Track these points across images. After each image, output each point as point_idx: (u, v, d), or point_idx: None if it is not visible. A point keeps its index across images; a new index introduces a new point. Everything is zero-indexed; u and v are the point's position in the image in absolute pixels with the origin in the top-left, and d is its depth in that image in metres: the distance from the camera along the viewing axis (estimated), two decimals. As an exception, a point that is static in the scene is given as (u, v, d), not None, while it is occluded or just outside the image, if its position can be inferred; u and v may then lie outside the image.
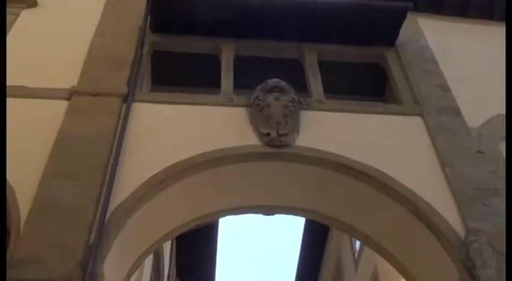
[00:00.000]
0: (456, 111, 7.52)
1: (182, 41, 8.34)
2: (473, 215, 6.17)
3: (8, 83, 6.09)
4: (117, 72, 7.31)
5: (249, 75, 8.18)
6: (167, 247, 11.91)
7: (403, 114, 7.45)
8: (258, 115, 6.89)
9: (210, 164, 6.53)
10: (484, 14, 9.45)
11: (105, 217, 5.57)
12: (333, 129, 7.02)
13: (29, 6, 8.44)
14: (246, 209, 7.74)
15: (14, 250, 5.15)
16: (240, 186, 7.21)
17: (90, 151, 6.15)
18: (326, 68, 8.39)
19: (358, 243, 12.25)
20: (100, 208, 5.62)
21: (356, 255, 12.47)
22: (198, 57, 8.44)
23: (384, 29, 8.42)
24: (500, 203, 6.22)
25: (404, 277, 6.94)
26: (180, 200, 6.78)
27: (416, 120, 7.35)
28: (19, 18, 8.21)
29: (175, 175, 6.31)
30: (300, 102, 7.13)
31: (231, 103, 7.20)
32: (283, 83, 7.12)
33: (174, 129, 6.73)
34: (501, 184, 6.45)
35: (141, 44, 7.83)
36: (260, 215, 8.10)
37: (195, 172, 6.46)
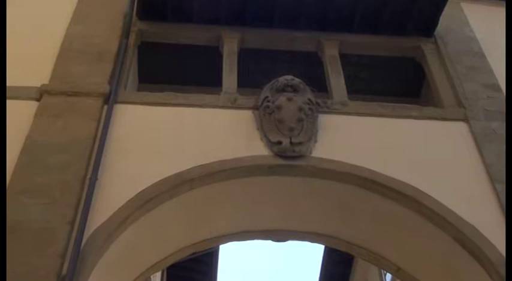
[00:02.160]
0: (508, 116, 7.49)
1: (175, 30, 8.36)
2: (529, 242, 6.12)
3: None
4: (97, 67, 7.33)
5: (256, 72, 8.20)
6: (157, 280, 11.88)
7: (444, 119, 7.43)
8: (267, 119, 6.90)
9: (208, 179, 6.52)
10: (542, -3, 9.43)
11: (81, 243, 5.55)
12: (357, 137, 7.00)
13: (-8, -10, 8.52)
14: (253, 235, 7.72)
15: (-29, 282, 5.15)
16: (244, 206, 7.20)
17: (64, 162, 6.15)
18: (350, 63, 8.39)
19: (389, 276, 12.18)
20: (75, 232, 5.61)
21: (386, 291, 12.42)
22: (194, 49, 8.47)
23: (420, 16, 8.41)
24: None
25: (445, 318, 6.89)
26: (172, 223, 6.77)
27: (460, 127, 7.34)
28: (-19, 4, 8.28)
29: (167, 192, 6.31)
30: (317, 104, 7.13)
31: (234, 105, 7.21)
32: (297, 81, 7.13)
33: (166, 137, 6.74)
34: None
35: (126, 33, 7.85)
36: (270, 242, 8.08)
37: (191, 189, 6.46)
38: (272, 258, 39.83)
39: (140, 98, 7.26)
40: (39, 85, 6.99)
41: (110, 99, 6.93)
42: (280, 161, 6.69)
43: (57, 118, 6.63)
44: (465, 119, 7.40)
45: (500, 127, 7.31)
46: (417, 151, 6.95)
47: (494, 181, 6.69)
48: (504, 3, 9.34)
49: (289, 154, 6.68)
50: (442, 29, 8.59)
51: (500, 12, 9.26)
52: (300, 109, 6.89)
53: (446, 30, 8.65)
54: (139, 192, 6.13)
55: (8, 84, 6.92)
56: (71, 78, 7.16)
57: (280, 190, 7.01)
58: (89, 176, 6.09)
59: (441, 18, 8.49)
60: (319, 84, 7.71)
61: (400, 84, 8.99)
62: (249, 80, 7.83)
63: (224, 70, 7.82)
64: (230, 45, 8.18)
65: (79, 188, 5.96)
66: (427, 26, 8.52)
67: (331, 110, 7.26)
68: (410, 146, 7.00)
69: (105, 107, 6.87)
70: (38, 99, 6.86)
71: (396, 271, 7.35)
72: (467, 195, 6.58)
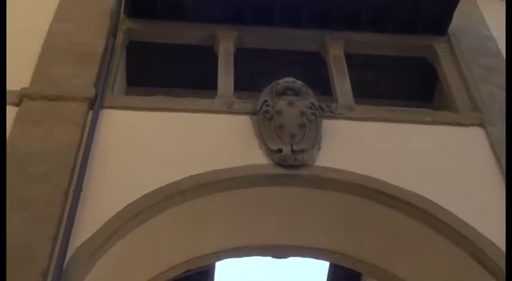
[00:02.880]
0: (528, 120, 7.50)
1: (167, 28, 8.39)
2: (553, 258, 6.11)
3: None
4: (81, 69, 7.34)
5: (254, 74, 8.21)
6: (146, 300, 11.84)
7: (459, 124, 7.44)
8: (267, 125, 6.91)
9: (202, 191, 6.51)
10: None
11: (64, 260, 5.54)
12: (365, 145, 7.01)
13: (-32, -15, 8.53)
14: (251, 251, 7.71)
15: None
16: (242, 219, 7.20)
17: (46, 172, 6.15)
18: (356, 63, 8.41)
19: (399, 295, 12.16)
20: (58, 248, 5.60)
21: (397, 312, 12.36)
22: (187, 49, 8.49)
23: (433, 13, 8.44)
24: None
25: None
26: (164, 238, 6.76)
27: (476, 132, 7.34)
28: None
29: (158, 205, 6.30)
30: (321, 108, 7.14)
31: (230, 110, 7.21)
32: (299, 84, 7.14)
33: (156, 145, 6.74)
34: None
35: (113, 32, 7.87)
36: (270, 259, 8.06)
37: (184, 201, 6.45)
38: (272, 276, 39.69)
39: (128, 103, 7.28)
40: (18, 89, 6.98)
41: (95, 103, 6.93)
42: (281, 171, 6.68)
43: (38, 124, 6.63)
44: (481, 124, 7.40)
45: (520, 133, 7.33)
46: (429, 159, 6.95)
47: (514, 191, 6.70)
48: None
49: (290, 163, 6.68)
50: (456, 26, 8.61)
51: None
52: (302, 114, 6.90)
53: (460, 28, 8.66)
54: (128, 205, 6.12)
55: (-16, 87, 6.97)
56: (54, 81, 7.17)
57: (280, 202, 7.00)
58: (72, 187, 6.09)
59: (455, 15, 8.51)
60: (322, 86, 7.72)
61: (411, 87, 9.00)
62: (246, 83, 7.85)
63: (219, 72, 7.83)
64: (226, 44, 8.20)
65: (62, 200, 5.96)
66: (439, 23, 8.54)
67: (335, 114, 7.27)
68: (422, 153, 7.00)
69: (91, 112, 6.87)
70: (17, 104, 6.86)
71: (408, 290, 7.35)
72: (485, 207, 6.56)
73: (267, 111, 6.97)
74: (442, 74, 8.34)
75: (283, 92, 7.07)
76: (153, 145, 6.73)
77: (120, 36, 8.01)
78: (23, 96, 6.92)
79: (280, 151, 6.71)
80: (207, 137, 6.88)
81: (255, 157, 6.75)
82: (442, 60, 8.39)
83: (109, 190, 6.24)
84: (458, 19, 8.59)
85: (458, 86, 8.03)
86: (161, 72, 8.66)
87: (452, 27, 8.59)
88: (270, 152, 6.74)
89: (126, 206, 6.11)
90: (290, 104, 6.96)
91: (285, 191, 6.85)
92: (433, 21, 8.50)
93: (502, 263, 6.10)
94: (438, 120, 7.46)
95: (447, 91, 8.17)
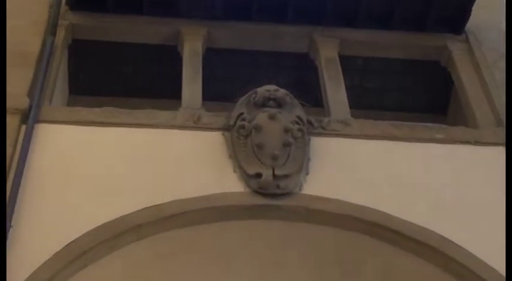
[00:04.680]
0: (562, 138, 7.57)
1: (119, 24, 8.43)
2: None
3: None
4: (12, 74, 7.30)
5: (227, 80, 8.22)
6: None
7: (478, 142, 7.50)
8: (243, 144, 6.94)
9: (162, 226, 6.51)
10: None
11: (-11, 312, 5.52)
12: (363, 168, 7.06)
13: None
14: (224, 299, 7.69)
15: None
16: (212, 261, 7.16)
17: (-33, 202, 6.12)
18: (353, 68, 8.46)
19: None
20: (-18, 298, 5.57)
21: None
22: (145, 50, 8.54)
23: (447, 7, 8.54)
24: None
25: None
26: (113, 283, 6.74)
27: (499, 153, 7.37)
28: None
29: (106, 243, 6.28)
30: (310, 123, 7.19)
31: (197, 124, 7.24)
32: (282, 93, 7.18)
33: (105, 168, 6.75)
34: None
35: (52, 28, 7.87)
36: (247, 308, 8.05)
37: (138, 238, 6.44)
38: (252, 330, 39.44)
39: (71, 116, 7.27)
40: None
41: (29, 116, 6.93)
42: (260, 201, 6.70)
43: (-41, 142, 6.61)
44: (505, 143, 7.45)
45: (553, 154, 7.39)
46: (442, 185, 7.00)
47: (546, 227, 6.75)
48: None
49: (271, 191, 6.70)
50: (475, 23, 8.72)
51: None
52: (286, 130, 6.93)
53: (480, 26, 8.78)
54: (69, 243, 6.10)
55: None
56: (-22, 89, 7.16)
57: (260, 239, 6.98)
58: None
59: (474, 9, 8.60)
60: (312, 96, 7.77)
61: (420, 97, 9.09)
62: (217, 91, 7.88)
63: (184, 78, 7.86)
64: (193, 43, 8.26)
65: (-13, 238, 5.93)
66: (455, 19, 8.64)
67: (328, 131, 7.32)
68: (433, 179, 7.05)
69: (24, 127, 6.87)
70: None
71: None
72: (510, 245, 6.61)
73: (243, 127, 7.00)
74: (458, 81, 8.42)
75: (263, 103, 7.10)
76: (101, 168, 6.73)
77: (61, 34, 8.02)
78: None
79: (259, 175, 6.73)
80: (168, 158, 6.90)
81: (228, 183, 6.78)
82: (458, 64, 8.47)
83: (45, 225, 6.22)
84: (478, 15, 8.68)
85: (477, 96, 8.10)
86: (112, 78, 8.68)
87: (470, 24, 8.69)
88: (246, 177, 6.77)
89: (66, 245, 6.08)
90: (271, 118, 6.98)
91: (266, 225, 6.85)
92: (448, 17, 8.60)
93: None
94: (453, 138, 7.52)
95: (464, 102, 8.25)
